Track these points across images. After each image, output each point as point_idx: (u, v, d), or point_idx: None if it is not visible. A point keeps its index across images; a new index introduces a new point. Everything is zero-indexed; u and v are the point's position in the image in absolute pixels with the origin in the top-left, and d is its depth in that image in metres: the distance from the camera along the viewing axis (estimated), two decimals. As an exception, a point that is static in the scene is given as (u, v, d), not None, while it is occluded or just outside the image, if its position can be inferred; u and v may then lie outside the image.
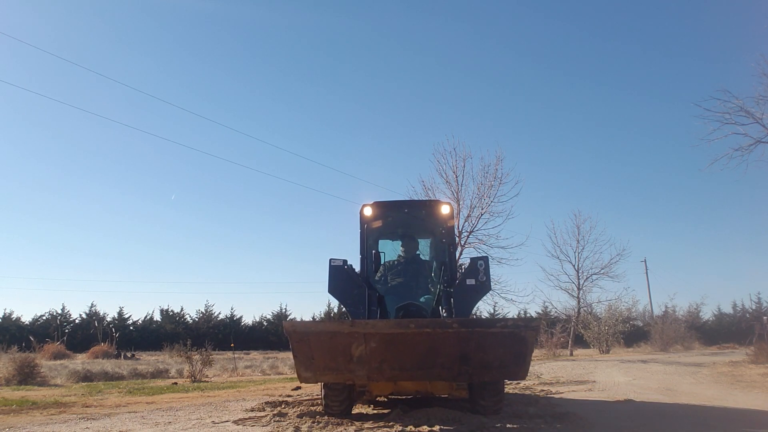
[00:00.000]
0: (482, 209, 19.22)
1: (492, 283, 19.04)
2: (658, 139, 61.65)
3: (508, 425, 5.60)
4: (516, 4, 64.27)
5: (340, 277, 6.85)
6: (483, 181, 19.46)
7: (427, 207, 8.01)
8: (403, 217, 7.71)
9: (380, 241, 7.88)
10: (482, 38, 65.60)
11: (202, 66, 63.40)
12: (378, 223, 7.44)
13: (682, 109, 57.80)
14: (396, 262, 7.65)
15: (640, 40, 62.87)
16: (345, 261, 6.94)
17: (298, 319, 42.02)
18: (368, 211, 7.29)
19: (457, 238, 8.27)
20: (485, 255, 7.56)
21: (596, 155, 62.94)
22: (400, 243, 7.83)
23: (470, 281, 6.71)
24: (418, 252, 7.79)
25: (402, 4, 65.53)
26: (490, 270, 7.41)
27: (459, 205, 19.41)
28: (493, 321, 5.62)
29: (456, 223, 7.47)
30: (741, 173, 19.10)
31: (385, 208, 7.48)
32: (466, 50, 64.96)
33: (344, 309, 6.98)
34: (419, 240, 7.92)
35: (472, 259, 7.18)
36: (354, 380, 5.68)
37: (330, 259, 6.92)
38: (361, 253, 7.23)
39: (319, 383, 6.18)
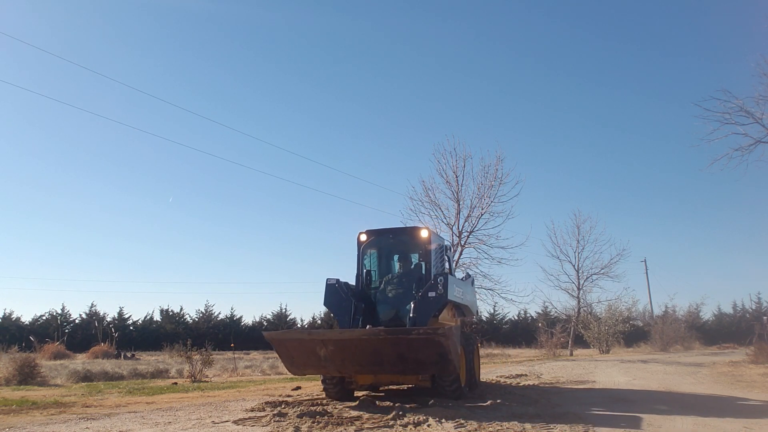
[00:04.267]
0: (482, 209, 19.23)
1: (492, 283, 19.36)
2: (658, 139, 61.74)
3: (507, 426, 5.60)
4: (516, 4, 64.32)
5: (332, 293, 8.26)
6: (483, 181, 19.47)
7: (409, 232, 9.37)
8: (390, 241, 9.16)
9: (378, 258, 9.22)
10: (482, 38, 65.66)
11: (202, 66, 63.43)
12: (373, 248, 9.02)
13: (682, 109, 57.91)
14: (393, 277, 8.92)
15: (640, 40, 62.94)
16: (337, 280, 8.39)
17: (298, 322, 42.16)
18: (363, 237, 8.82)
19: (447, 257, 9.89)
20: (445, 273, 8.76)
21: (596, 155, 63.04)
22: (397, 259, 9.19)
23: (432, 294, 7.91)
24: (412, 267, 8.97)
25: (402, 4, 65.58)
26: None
27: (459, 205, 19.43)
28: (410, 330, 6.94)
29: (436, 247, 8.99)
30: (741, 173, 19.11)
31: (376, 234, 9.00)
32: (466, 50, 65.04)
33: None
34: (393, 257, 9.25)
35: (434, 275, 8.36)
36: (329, 373, 7.49)
37: (327, 279, 8.38)
38: (357, 270, 8.75)
39: (320, 377, 8.01)
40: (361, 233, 8.86)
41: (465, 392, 7.85)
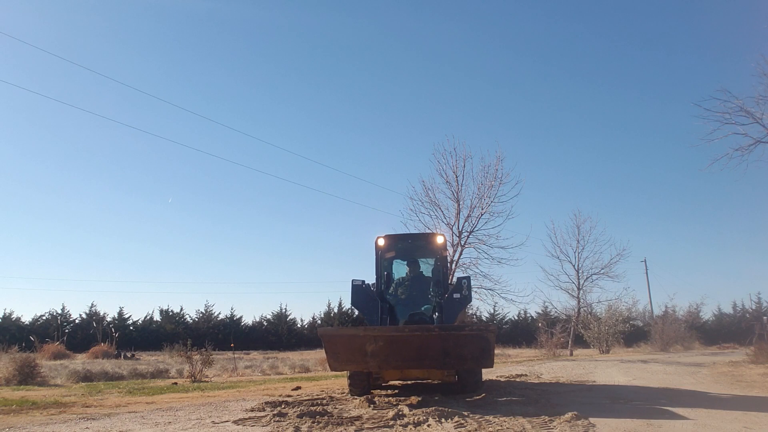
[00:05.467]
0: (482, 209, 19.19)
1: (492, 283, 19.35)
2: (658, 139, 61.86)
3: (506, 425, 5.60)
4: (516, 4, 64.34)
5: (360, 294, 8.64)
6: (483, 181, 19.45)
7: (426, 238, 10.08)
8: (408, 246, 9.71)
9: (393, 262, 9.64)
10: (482, 38, 65.68)
11: (202, 66, 63.49)
12: (390, 252, 9.42)
13: (682, 109, 58.07)
14: (404, 279, 9.45)
15: (640, 40, 63.00)
16: (363, 281, 8.74)
17: (298, 322, 42.22)
18: (381, 242, 9.20)
19: (450, 263, 10.86)
20: (468, 275, 9.89)
21: (596, 155, 63.14)
22: (406, 263, 9.62)
23: (456, 295, 8.50)
24: (421, 270, 9.54)
25: (402, 4, 65.58)
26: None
27: (459, 205, 19.40)
28: (463, 326, 7.49)
29: (450, 252, 9.84)
30: (741, 173, 19.01)
31: (394, 239, 9.46)
32: (467, 50, 65.06)
33: (360, 316, 8.75)
34: (421, 261, 9.71)
35: (458, 278, 9.12)
36: (368, 369, 7.81)
37: (352, 280, 8.74)
38: (376, 273, 9.12)
39: (343, 374, 8.47)
40: (378, 237, 9.29)
41: (482, 386, 8.57)
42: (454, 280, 11.44)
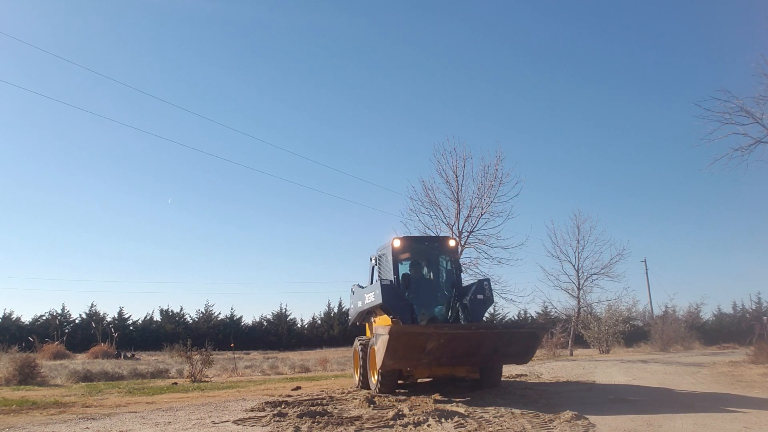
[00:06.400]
0: (482, 209, 19.14)
1: (492, 283, 19.27)
2: (658, 139, 61.75)
3: (506, 425, 5.60)
4: (516, 4, 64.35)
5: (391, 294, 8.78)
6: (483, 181, 19.38)
7: (440, 240, 10.59)
8: (423, 248, 10.00)
9: (410, 263, 9.78)
10: (482, 38, 65.67)
11: (202, 66, 63.46)
12: (405, 254, 9.64)
13: (682, 109, 57.93)
14: (424, 280, 9.67)
15: (640, 40, 62.98)
16: (391, 281, 9.01)
17: (298, 322, 42.20)
18: (397, 243, 9.42)
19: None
20: (488, 277, 10.31)
21: (596, 155, 63.06)
22: (409, 265, 9.72)
23: (480, 296, 8.87)
24: (444, 272, 9.82)
25: (402, 4, 65.58)
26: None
27: (459, 205, 19.38)
28: (522, 324, 7.98)
29: (459, 256, 10.08)
30: (741, 173, 19.07)
31: (409, 241, 9.82)
32: (466, 50, 65.05)
33: (391, 315, 8.76)
34: (423, 263, 9.96)
35: (479, 280, 9.33)
36: (417, 365, 8.05)
37: (380, 280, 9.16)
38: (394, 274, 9.19)
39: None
40: (394, 239, 9.49)
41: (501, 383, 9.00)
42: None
